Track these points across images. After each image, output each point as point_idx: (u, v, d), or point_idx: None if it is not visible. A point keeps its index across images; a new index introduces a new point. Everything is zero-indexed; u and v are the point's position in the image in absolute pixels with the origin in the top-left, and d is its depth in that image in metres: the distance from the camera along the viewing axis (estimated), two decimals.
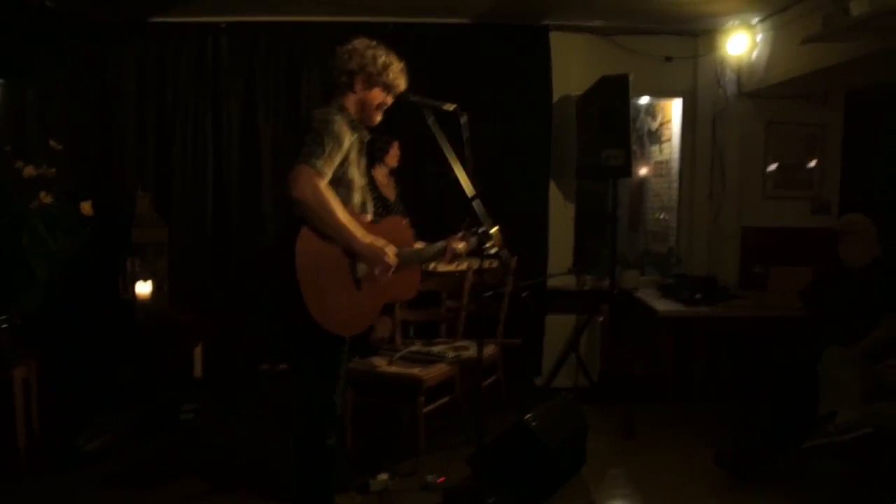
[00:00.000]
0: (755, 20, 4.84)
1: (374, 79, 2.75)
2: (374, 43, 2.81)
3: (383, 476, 3.60)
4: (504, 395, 4.49)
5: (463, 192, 2.94)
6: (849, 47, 3.85)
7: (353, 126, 2.71)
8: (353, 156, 2.69)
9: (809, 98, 5.12)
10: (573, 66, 5.29)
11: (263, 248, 5.12)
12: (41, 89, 4.91)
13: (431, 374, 3.85)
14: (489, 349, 4.29)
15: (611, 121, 4.71)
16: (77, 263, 4.15)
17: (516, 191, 5.23)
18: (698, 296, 4.83)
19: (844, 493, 3.30)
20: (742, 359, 4.65)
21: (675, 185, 5.82)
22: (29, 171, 3.84)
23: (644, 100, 6.11)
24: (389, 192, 4.66)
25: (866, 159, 5.20)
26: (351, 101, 2.77)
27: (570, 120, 5.30)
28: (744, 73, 5.10)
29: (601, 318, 5.26)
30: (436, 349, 4.16)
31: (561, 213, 5.42)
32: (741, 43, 4.91)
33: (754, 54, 4.93)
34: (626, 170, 4.75)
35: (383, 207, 4.43)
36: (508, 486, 3.33)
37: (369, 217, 2.84)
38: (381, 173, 4.61)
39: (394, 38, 2.90)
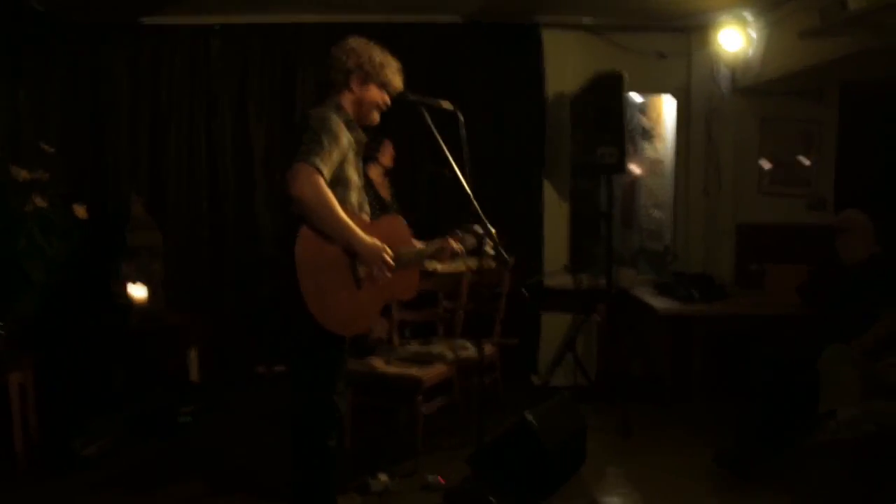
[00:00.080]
0: (748, 16, 4.83)
1: (371, 77, 2.75)
2: (370, 42, 2.80)
3: (383, 477, 3.59)
4: (502, 395, 4.48)
5: (459, 191, 2.93)
6: (845, 42, 3.84)
7: (350, 126, 2.69)
8: (351, 155, 2.68)
9: (804, 94, 5.11)
10: (566, 63, 5.27)
11: (258, 249, 5.11)
12: (33, 92, 4.88)
13: (430, 374, 3.84)
14: (487, 349, 4.29)
15: (605, 118, 4.70)
16: (72, 267, 4.13)
17: (511, 190, 5.22)
18: (695, 294, 4.81)
19: (845, 492, 3.29)
20: (740, 357, 4.65)
21: (669, 182, 5.82)
22: (23, 174, 3.82)
23: (637, 97, 6.10)
24: (384, 192, 4.65)
25: (862, 155, 5.20)
26: (348, 101, 2.77)
27: (563, 118, 5.29)
28: (738, 70, 5.10)
29: (598, 317, 5.25)
30: (434, 349, 4.15)
31: (555, 212, 5.41)
32: (735, 39, 4.90)
33: (749, 50, 4.92)
34: (621, 167, 4.74)
35: (380, 207, 4.41)
36: (509, 486, 3.32)
37: (366, 217, 2.83)
38: (375, 173, 4.59)
39: (386, 38, 2.89)
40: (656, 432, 4.42)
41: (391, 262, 2.65)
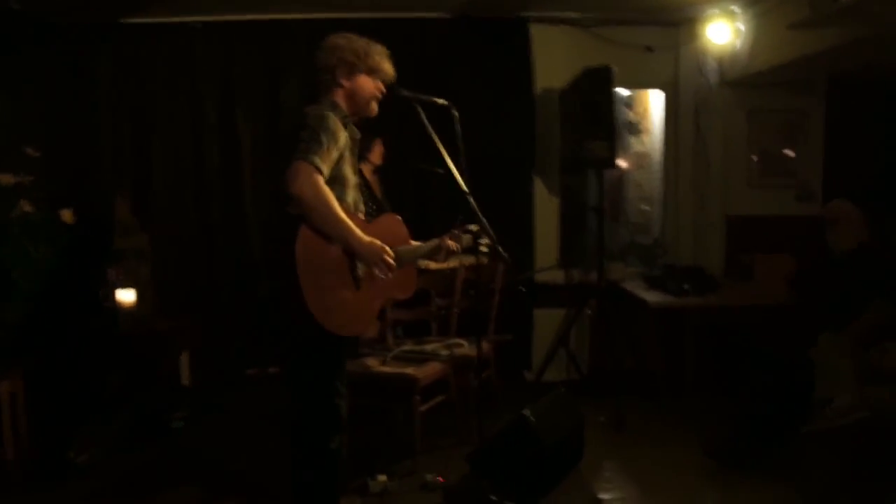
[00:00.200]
0: (736, 8, 4.84)
1: (356, 67, 2.71)
2: (349, 34, 2.76)
3: (382, 477, 3.57)
4: (497, 392, 4.47)
5: (450, 188, 2.91)
6: (834, 33, 3.85)
7: (345, 123, 2.66)
8: (347, 153, 2.65)
9: (792, 85, 5.12)
10: (554, 58, 5.26)
11: (248, 249, 5.06)
12: (12, 95, 4.78)
13: (426, 372, 3.81)
14: (482, 346, 4.25)
15: (594, 113, 4.69)
16: (59, 272, 4.06)
17: (501, 185, 5.20)
18: (686, 286, 4.81)
19: (841, 478, 3.32)
20: (732, 348, 4.67)
21: (657, 175, 5.83)
22: (7, 178, 3.75)
23: (623, 91, 6.10)
24: (376, 190, 4.62)
25: (849, 145, 5.23)
26: (341, 96, 2.73)
27: (552, 113, 5.28)
28: (726, 62, 5.10)
29: (589, 312, 5.25)
30: (429, 347, 4.12)
31: (546, 207, 5.41)
32: (723, 32, 4.90)
33: (736, 43, 4.93)
34: (611, 161, 4.74)
35: (375, 206, 4.38)
36: (509, 484, 3.31)
37: (361, 216, 2.80)
38: (365, 170, 4.56)
39: (372, 35, 2.85)
40: (650, 425, 4.43)
41: (392, 261, 2.63)
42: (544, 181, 5.38)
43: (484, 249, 3.07)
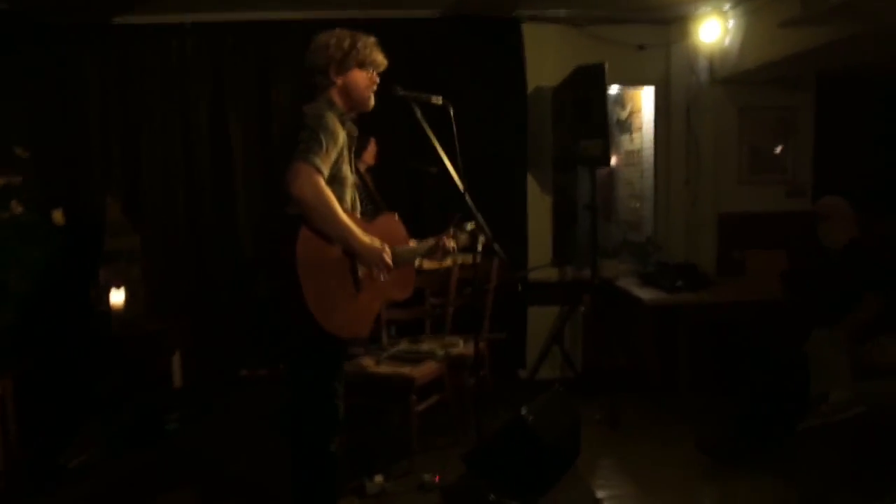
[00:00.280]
0: (727, 6, 4.85)
1: (346, 62, 2.68)
2: (335, 31, 2.74)
3: (379, 478, 3.56)
4: (492, 391, 4.47)
5: (445, 187, 2.90)
6: (825, 31, 3.86)
7: (343, 120, 2.64)
8: (345, 152, 2.63)
9: (781, 82, 5.14)
10: (546, 57, 5.25)
11: (240, 250, 5.03)
12: (1, 95, 4.73)
13: (423, 372, 3.80)
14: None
15: (587, 111, 4.70)
16: (49, 274, 4.01)
17: (494, 184, 5.18)
18: (679, 283, 4.82)
19: (838, 474, 3.33)
20: (727, 344, 4.68)
21: (648, 173, 5.84)
22: None
23: (613, 89, 6.12)
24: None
25: (839, 141, 5.25)
26: (336, 94, 2.70)
27: (544, 111, 5.28)
28: (716, 60, 5.11)
29: (583, 309, 5.26)
30: (424, 347, 4.11)
31: (538, 205, 5.40)
32: (713, 30, 4.92)
33: (727, 41, 4.95)
34: (606, 159, 4.76)
35: (372, 205, 4.34)
36: (507, 482, 3.30)
37: (358, 214, 2.78)
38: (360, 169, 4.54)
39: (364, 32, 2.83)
40: (645, 423, 4.44)
41: (391, 262, 2.61)
42: (537, 179, 5.38)
43: (480, 248, 3.06)
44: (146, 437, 4.16)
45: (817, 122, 5.29)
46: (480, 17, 5.14)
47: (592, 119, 4.66)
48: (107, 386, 4.27)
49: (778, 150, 5.33)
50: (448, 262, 4.03)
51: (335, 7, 4.85)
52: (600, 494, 3.55)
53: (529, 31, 5.21)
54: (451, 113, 2.96)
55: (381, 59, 2.77)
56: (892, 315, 3.71)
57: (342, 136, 2.58)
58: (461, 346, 4.17)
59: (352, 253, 2.58)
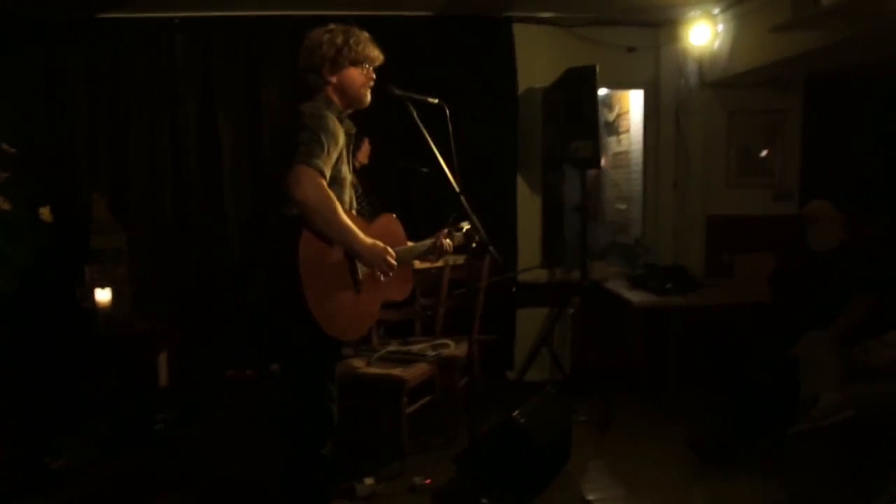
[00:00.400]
0: (717, 10, 4.88)
1: (340, 60, 2.64)
2: (328, 27, 2.71)
3: (369, 480, 3.53)
4: (481, 392, 4.45)
5: (438, 187, 2.88)
6: (815, 36, 3.89)
7: (341, 119, 2.62)
8: (344, 152, 2.61)
9: (770, 85, 5.17)
10: (537, 58, 5.25)
11: (227, 249, 4.99)
12: None
13: (414, 373, 3.78)
14: (469, 346, 4.24)
15: (578, 112, 4.71)
16: (35, 271, 3.95)
17: (484, 184, 5.15)
18: (669, 286, 4.83)
19: (828, 476, 3.35)
20: (715, 347, 4.70)
21: (636, 175, 5.86)
22: None
23: (601, 91, 6.12)
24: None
25: (826, 145, 5.29)
26: (332, 92, 2.67)
27: (535, 112, 5.28)
28: (706, 63, 5.14)
29: (572, 311, 5.26)
30: (415, 348, 4.10)
31: (528, 206, 5.40)
32: (703, 33, 4.94)
33: (716, 44, 4.97)
34: (596, 161, 4.77)
35: (369, 205, 4.32)
36: (498, 485, 3.29)
37: (354, 212, 2.76)
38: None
39: None
40: (634, 424, 4.45)
41: (394, 262, 2.59)
42: (527, 180, 5.38)
43: (474, 248, 3.05)
44: (133, 437, 4.10)
45: (805, 125, 5.32)
46: (472, 17, 5.13)
47: (583, 120, 4.66)
48: (92, 385, 4.21)
49: (764, 153, 5.36)
50: (440, 262, 4.01)
51: (327, 5, 4.80)
52: (590, 497, 3.54)
53: (520, 32, 5.20)
54: (447, 113, 2.94)
55: (375, 54, 2.74)
56: (880, 318, 3.74)
57: (342, 136, 2.55)
58: (452, 348, 4.16)
59: (354, 255, 2.56)
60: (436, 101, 2.92)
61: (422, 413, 3.93)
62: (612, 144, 6.52)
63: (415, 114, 2.86)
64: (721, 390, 4.26)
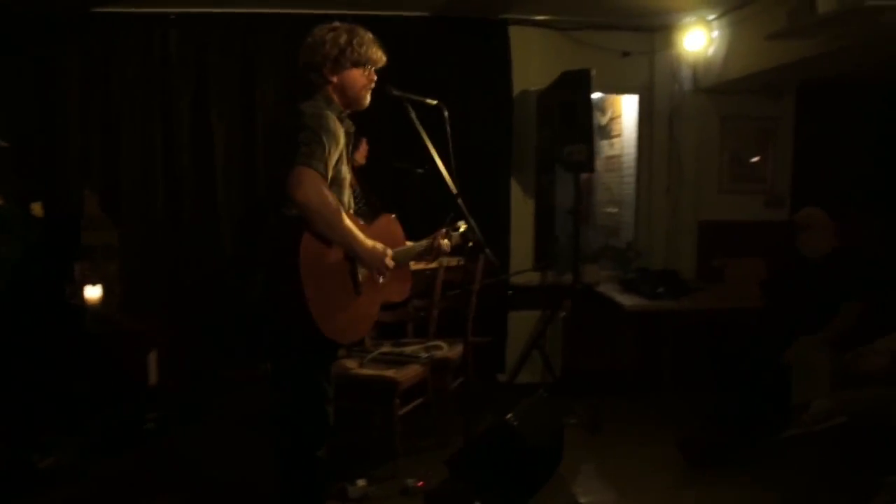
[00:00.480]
0: (711, 16, 4.91)
1: (342, 61, 2.61)
2: (332, 25, 2.67)
3: (361, 482, 3.51)
4: (473, 394, 4.45)
5: (433, 188, 2.87)
6: (810, 44, 3.92)
7: (341, 119, 2.60)
8: (344, 152, 2.59)
9: (763, 92, 5.21)
10: (532, 60, 5.25)
11: (219, 247, 4.95)
12: None
13: (406, 375, 3.76)
14: (460, 348, 4.23)
15: (572, 116, 4.72)
16: (24, 267, 3.91)
17: (477, 186, 5.14)
18: (661, 290, 4.85)
19: (819, 481, 3.37)
20: (706, 351, 4.72)
21: (628, 179, 5.87)
22: None
23: (594, 95, 6.13)
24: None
25: (818, 151, 5.33)
26: (332, 92, 2.63)
27: (529, 115, 5.28)
28: (700, 69, 5.17)
29: (563, 314, 5.26)
30: (407, 349, 4.08)
31: (521, 208, 5.40)
32: (698, 39, 4.97)
33: (711, 50, 5.00)
34: (590, 164, 4.78)
35: (367, 205, 4.30)
36: (491, 487, 3.28)
37: (352, 211, 2.75)
38: None
39: None
40: (625, 427, 4.45)
41: (392, 264, 2.58)
42: (520, 182, 5.38)
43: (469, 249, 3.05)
44: (123, 436, 4.06)
45: (797, 132, 5.36)
46: (468, 18, 5.12)
47: (577, 124, 4.68)
48: (81, 383, 4.16)
49: (755, 159, 5.40)
50: (434, 263, 4.00)
51: (323, 4, 4.79)
52: (582, 500, 3.54)
53: (516, 34, 5.21)
54: (446, 115, 2.93)
55: (378, 56, 2.70)
56: (871, 324, 3.77)
57: (342, 135, 2.53)
58: (445, 350, 4.15)
59: (354, 256, 2.54)
60: (434, 102, 2.91)
61: (414, 415, 3.92)
62: (605, 148, 6.54)
63: (413, 115, 2.85)
64: (712, 394, 4.28)
